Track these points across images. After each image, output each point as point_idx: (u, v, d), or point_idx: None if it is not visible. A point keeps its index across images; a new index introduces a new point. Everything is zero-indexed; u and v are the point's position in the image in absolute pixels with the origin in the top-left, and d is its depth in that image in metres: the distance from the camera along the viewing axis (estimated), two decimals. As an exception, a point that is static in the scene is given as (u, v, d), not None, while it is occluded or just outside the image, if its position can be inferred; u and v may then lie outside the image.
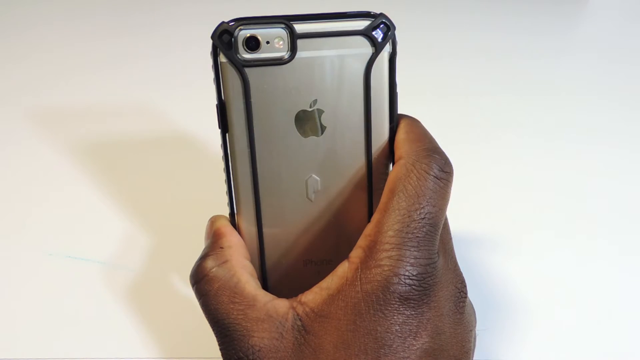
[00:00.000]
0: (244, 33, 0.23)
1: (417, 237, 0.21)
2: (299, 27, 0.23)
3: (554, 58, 0.67)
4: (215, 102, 0.24)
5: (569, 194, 0.45)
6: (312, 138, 0.25)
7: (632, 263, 0.38)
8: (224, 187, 0.26)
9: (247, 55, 0.23)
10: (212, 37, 0.23)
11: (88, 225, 0.40)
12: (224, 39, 0.23)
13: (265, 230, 0.26)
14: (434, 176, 0.23)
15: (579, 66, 0.66)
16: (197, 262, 0.25)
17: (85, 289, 0.35)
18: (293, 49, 0.23)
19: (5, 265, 0.37)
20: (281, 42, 0.23)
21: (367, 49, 0.24)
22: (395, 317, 0.21)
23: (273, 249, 0.27)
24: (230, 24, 0.23)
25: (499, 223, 0.41)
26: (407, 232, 0.22)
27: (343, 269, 0.23)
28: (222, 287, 0.23)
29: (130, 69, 0.62)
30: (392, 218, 0.22)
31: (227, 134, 0.25)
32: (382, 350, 0.20)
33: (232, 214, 0.26)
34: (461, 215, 0.39)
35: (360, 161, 0.26)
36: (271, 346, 0.22)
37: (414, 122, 0.26)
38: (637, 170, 0.48)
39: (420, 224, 0.22)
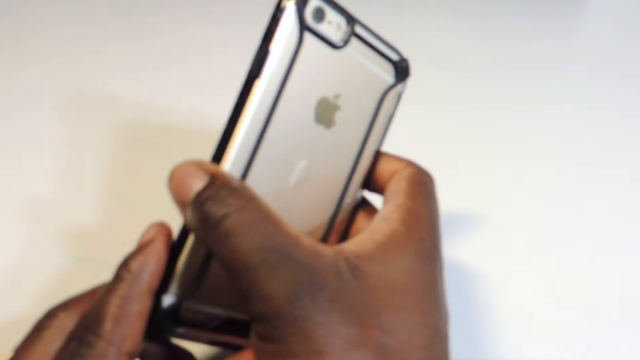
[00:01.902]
0: (316, 2, 0.23)
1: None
2: (358, 28, 0.25)
3: (554, 61, 0.66)
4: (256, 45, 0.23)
5: (569, 196, 0.44)
6: (321, 127, 0.25)
7: (633, 264, 0.39)
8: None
9: (311, 22, 0.23)
10: None
11: (93, 226, 0.39)
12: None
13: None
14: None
15: (579, 69, 0.65)
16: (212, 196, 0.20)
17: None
18: (346, 42, 0.24)
19: (7, 266, 0.36)
20: (340, 30, 0.24)
21: (390, 77, 0.27)
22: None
23: None
24: None
25: (499, 223, 0.41)
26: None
27: (387, 223, 0.23)
28: (262, 218, 0.20)
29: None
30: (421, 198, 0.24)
31: (256, 80, 0.23)
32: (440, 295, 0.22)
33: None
34: (458, 213, 0.39)
35: (345, 168, 0.26)
36: (336, 285, 0.19)
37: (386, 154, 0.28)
38: (637, 172, 0.48)
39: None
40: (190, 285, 0.22)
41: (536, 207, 0.44)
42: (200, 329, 0.23)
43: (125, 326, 0.20)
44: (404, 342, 0.20)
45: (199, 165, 0.21)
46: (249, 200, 0.20)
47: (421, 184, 0.25)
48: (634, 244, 0.41)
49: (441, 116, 0.53)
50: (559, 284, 0.37)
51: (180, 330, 0.22)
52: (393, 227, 0.23)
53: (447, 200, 0.33)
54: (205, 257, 0.23)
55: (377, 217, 0.24)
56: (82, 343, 0.19)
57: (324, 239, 0.26)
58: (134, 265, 0.21)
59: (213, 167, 0.21)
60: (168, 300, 0.22)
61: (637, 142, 0.52)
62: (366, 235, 0.22)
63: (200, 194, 0.20)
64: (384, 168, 0.27)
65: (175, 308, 0.22)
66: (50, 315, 0.20)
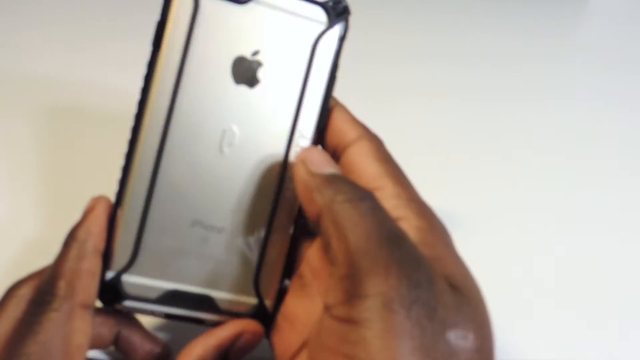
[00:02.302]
0: None
1: None
2: None
3: (554, 60, 0.65)
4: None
5: (569, 195, 0.44)
6: (243, 88, 0.24)
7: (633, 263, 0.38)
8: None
9: None
10: None
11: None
12: None
13: (161, 170, 0.24)
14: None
15: (578, 68, 0.65)
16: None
17: None
18: None
19: (9, 266, 0.34)
20: None
21: (322, 22, 0.25)
22: None
23: (163, 199, 0.24)
24: None
25: (497, 223, 0.41)
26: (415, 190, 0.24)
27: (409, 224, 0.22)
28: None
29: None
30: (404, 180, 0.24)
31: (157, 52, 0.23)
32: None
33: (131, 141, 0.24)
34: (456, 214, 0.38)
35: (283, 128, 0.25)
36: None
37: (345, 108, 0.26)
38: (638, 172, 0.47)
39: None
40: (128, 258, 0.24)
41: (536, 205, 0.43)
42: (147, 302, 0.24)
43: (77, 283, 0.22)
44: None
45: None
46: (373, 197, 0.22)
47: (390, 160, 0.25)
48: (635, 242, 0.40)
49: (439, 111, 0.53)
50: (559, 284, 0.37)
51: (126, 303, 0.24)
52: (418, 224, 0.22)
53: (448, 200, 0.34)
54: (139, 230, 0.24)
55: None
56: (39, 303, 0.22)
57: (274, 203, 0.25)
58: (79, 232, 0.23)
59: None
60: (108, 275, 0.24)
61: (637, 141, 0.51)
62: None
63: (334, 176, 0.23)
64: (337, 130, 0.25)
65: (115, 282, 0.24)
66: (12, 288, 0.23)
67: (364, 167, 0.24)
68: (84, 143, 0.42)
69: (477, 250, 0.36)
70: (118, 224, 0.23)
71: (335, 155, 0.25)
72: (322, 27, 0.25)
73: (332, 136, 0.25)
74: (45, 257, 0.24)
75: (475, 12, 0.74)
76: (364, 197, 0.22)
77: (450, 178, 0.44)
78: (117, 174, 0.24)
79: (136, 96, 0.23)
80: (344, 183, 0.22)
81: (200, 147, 0.24)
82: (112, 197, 0.24)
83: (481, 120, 0.52)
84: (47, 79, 0.49)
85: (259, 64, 0.24)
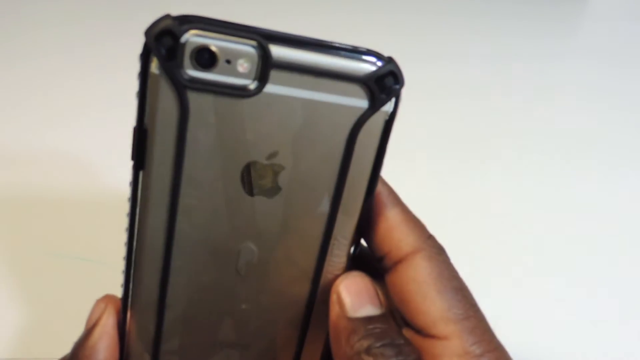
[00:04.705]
0: (196, 41, 0.16)
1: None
2: (277, 52, 0.16)
3: (554, 59, 0.66)
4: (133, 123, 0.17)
5: (570, 195, 0.45)
6: (260, 198, 0.18)
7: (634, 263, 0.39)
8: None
9: (195, 73, 0.16)
10: (147, 34, 0.15)
11: (94, 226, 0.38)
12: (164, 43, 0.15)
13: (171, 300, 0.19)
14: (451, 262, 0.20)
15: (578, 67, 0.65)
16: None
17: (89, 290, 0.29)
18: (262, 79, 0.16)
19: (8, 266, 0.35)
20: (247, 66, 0.16)
21: (362, 103, 0.17)
22: None
23: (176, 324, 0.20)
24: (178, 22, 0.15)
25: (497, 225, 0.41)
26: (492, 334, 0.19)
27: None
28: None
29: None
30: (475, 324, 0.19)
31: (141, 172, 0.17)
32: None
33: (127, 275, 0.19)
34: (459, 221, 0.38)
35: (314, 241, 0.19)
36: None
37: (398, 200, 0.20)
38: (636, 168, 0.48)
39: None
40: None
41: (536, 202, 0.43)
42: None
43: None
44: None
45: (377, 290, 0.20)
46: (419, 358, 0.19)
47: (458, 288, 0.19)
48: (635, 240, 0.41)
49: (439, 111, 0.53)
50: (558, 283, 0.37)
51: None
52: None
53: (449, 197, 0.36)
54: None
55: None
56: None
57: (306, 317, 0.21)
58: (84, 356, 0.20)
59: (386, 302, 0.20)
60: None
61: (637, 140, 0.52)
62: None
63: (373, 318, 0.19)
64: (387, 233, 0.20)
65: None
66: None
67: (422, 302, 0.19)
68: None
69: (475, 249, 0.37)
70: (128, 356, 0.20)
71: (386, 265, 0.20)
72: (363, 110, 0.17)
73: (381, 239, 0.20)
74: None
75: (475, 12, 0.75)
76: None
77: (450, 177, 0.44)
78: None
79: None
80: (383, 336, 0.18)
81: (212, 271, 0.19)
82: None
83: (481, 118, 0.52)
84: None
85: (279, 168, 0.18)
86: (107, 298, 0.20)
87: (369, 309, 0.19)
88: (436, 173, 0.43)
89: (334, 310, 0.20)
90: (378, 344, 0.18)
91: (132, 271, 0.19)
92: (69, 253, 0.36)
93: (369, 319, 0.19)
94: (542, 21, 0.75)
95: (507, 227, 0.41)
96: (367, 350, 0.18)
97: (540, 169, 0.47)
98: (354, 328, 0.19)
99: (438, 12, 0.74)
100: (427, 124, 0.50)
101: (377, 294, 0.20)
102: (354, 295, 0.19)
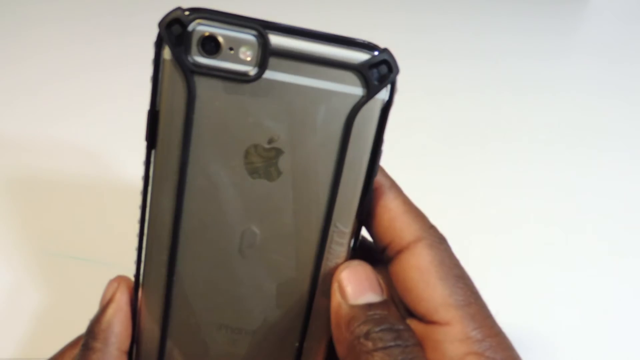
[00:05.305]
0: (202, 29, 0.17)
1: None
2: (276, 40, 0.18)
3: (554, 58, 0.66)
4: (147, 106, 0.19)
5: (570, 193, 0.45)
6: (262, 182, 0.19)
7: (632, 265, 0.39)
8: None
9: (201, 59, 0.18)
10: (160, 24, 0.17)
11: (91, 225, 0.38)
12: (173, 31, 0.17)
13: (178, 279, 0.20)
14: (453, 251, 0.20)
15: (579, 66, 0.65)
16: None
17: (87, 289, 0.31)
18: (262, 66, 0.18)
19: (7, 265, 0.36)
20: (248, 53, 0.18)
21: (357, 90, 0.18)
22: None
23: (183, 304, 0.21)
24: (187, 13, 0.17)
25: (497, 223, 0.41)
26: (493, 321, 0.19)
27: None
28: None
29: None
30: (477, 310, 0.19)
31: (153, 151, 0.19)
32: None
33: (139, 253, 0.20)
34: (457, 215, 0.38)
35: (314, 224, 0.20)
36: None
37: (400, 191, 0.21)
38: (638, 171, 0.48)
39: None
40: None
41: (536, 199, 0.43)
42: None
43: None
44: None
45: (377, 277, 0.20)
46: (418, 343, 0.19)
47: (459, 276, 0.20)
48: (634, 236, 0.41)
49: (441, 109, 0.53)
50: (558, 283, 0.37)
51: None
52: None
53: (446, 199, 0.36)
54: (161, 338, 0.21)
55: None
56: None
57: (308, 307, 0.21)
58: (99, 330, 0.21)
59: (387, 290, 0.20)
60: None
61: (637, 139, 0.52)
62: None
63: (373, 305, 0.19)
64: (389, 223, 0.20)
65: None
66: None
67: (424, 289, 0.19)
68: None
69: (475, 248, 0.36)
70: (140, 331, 0.21)
71: (388, 255, 0.20)
72: (358, 97, 0.18)
73: (383, 229, 0.20)
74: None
75: (476, 11, 0.75)
76: (407, 351, 0.17)
77: (450, 175, 0.44)
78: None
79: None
80: (382, 321, 0.18)
81: (216, 252, 0.20)
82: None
83: (482, 115, 0.53)
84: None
85: (279, 152, 0.19)
86: (120, 278, 0.22)
87: (370, 296, 0.20)
88: (436, 172, 0.44)
89: (335, 298, 0.20)
90: (377, 329, 0.18)
91: (143, 248, 0.20)
92: (70, 253, 0.36)
93: (369, 306, 0.19)
94: (544, 19, 0.75)
95: (508, 226, 0.41)
96: (366, 335, 0.18)
97: (541, 166, 0.47)
98: (354, 315, 0.19)
99: (438, 10, 0.74)
100: (427, 121, 0.50)
101: (378, 282, 0.20)
102: (354, 283, 0.20)
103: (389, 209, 0.20)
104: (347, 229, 0.20)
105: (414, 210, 0.20)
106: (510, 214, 0.42)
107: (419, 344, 0.19)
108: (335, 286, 0.20)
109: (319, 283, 0.21)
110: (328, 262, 0.20)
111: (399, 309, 0.20)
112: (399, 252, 0.20)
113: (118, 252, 0.34)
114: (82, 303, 0.30)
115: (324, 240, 0.20)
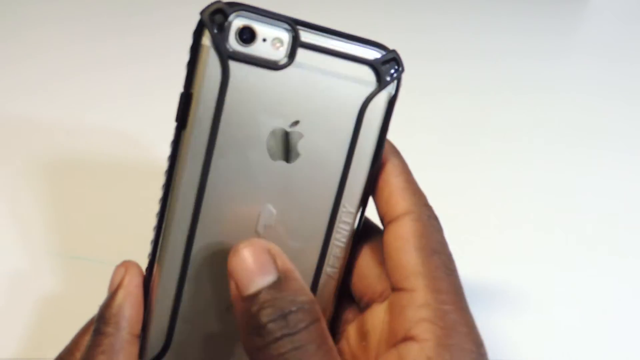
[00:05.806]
0: (241, 21, 0.19)
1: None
2: (305, 35, 0.20)
3: (554, 58, 0.66)
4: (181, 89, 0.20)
5: (570, 193, 0.44)
6: (281, 163, 0.21)
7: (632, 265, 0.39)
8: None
9: (237, 47, 0.20)
10: (202, 13, 0.19)
11: (91, 225, 0.37)
12: (215, 19, 0.19)
13: (194, 254, 0.21)
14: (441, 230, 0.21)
15: (579, 66, 0.65)
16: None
17: (87, 289, 0.30)
18: (291, 57, 0.20)
19: (7, 265, 0.35)
20: (279, 45, 0.20)
21: (370, 83, 0.21)
22: None
23: (197, 284, 0.22)
24: (228, 5, 0.19)
25: (497, 223, 0.41)
26: (460, 297, 0.20)
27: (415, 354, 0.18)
28: (319, 346, 0.18)
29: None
30: (445, 283, 0.19)
31: (183, 131, 0.20)
32: None
33: (157, 233, 0.21)
34: (458, 215, 0.38)
35: (325, 204, 0.22)
36: None
37: (403, 169, 0.22)
38: (638, 171, 0.48)
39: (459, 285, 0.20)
40: (161, 346, 0.22)
41: (536, 198, 0.43)
42: None
43: None
44: None
45: (271, 254, 0.19)
46: (314, 321, 0.18)
47: (436, 249, 0.20)
48: (633, 235, 0.41)
49: (441, 109, 0.53)
50: (558, 284, 0.37)
51: None
52: (430, 355, 0.18)
53: (447, 199, 0.33)
54: (171, 316, 0.22)
55: (400, 329, 0.19)
56: None
57: (314, 282, 0.23)
58: (111, 315, 0.21)
59: (286, 263, 0.19)
60: None
61: (637, 140, 0.52)
62: None
63: (262, 292, 0.18)
64: (386, 197, 0.22)
65: None
66: None
67: (400, 257, 0.20)
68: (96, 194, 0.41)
69: (479, 250, 0.37)
70: (152, 309, 0.21)
71: (383, 226, 0.23)
72: (370, 89, 0.21)
73: (383, 202, 0.22)
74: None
75: (476, 11, 0.75)
76: (294, 340, 0.17)
77: (450, 175, 0.44)
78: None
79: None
80: (272, 311, 0.18)
81: (233, 230, 0.21)
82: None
83: (483, 116, 0.53)
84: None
85: (299, 136, 0.21)
86: (126, 263, 0.22)
87: (260, 281, 0.19)
88: (436, 172, 0.40)
89: (233, 294, 0.19)
90: (266, 319, 0.18)
91: (163, 225, 0.21)
92: (75, 253, 0.35)
93: (259, 293, 0.18)
94: (544, 19, 0.74)
95: (507, 226, 0.40)
96: (258, 330, 0.18)
97: (541, 165, 0.47)
98: (246, 308, 0.18)
99: (438, 10, 0.74)
100: (428, 121, 0.50)
101: (270, 257, 0.19)
102: (242, 273, 0.19)
103: (389, 184, 0.22)
104: (354, 209, 0.22)
105: (412, 187, 0.22)
106: (510, 214, 0.42)
107: (315, 321, 0.18)
108: (230, 278, 0.19)
109: (326, 261, 0.23)
110: (335, 241, 0.22)
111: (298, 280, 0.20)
112: (388, 224, 0.21)
113: (117, 253, 0.33)
114: (83, 303, 0.30)
115: (333, 219, 0.22)
